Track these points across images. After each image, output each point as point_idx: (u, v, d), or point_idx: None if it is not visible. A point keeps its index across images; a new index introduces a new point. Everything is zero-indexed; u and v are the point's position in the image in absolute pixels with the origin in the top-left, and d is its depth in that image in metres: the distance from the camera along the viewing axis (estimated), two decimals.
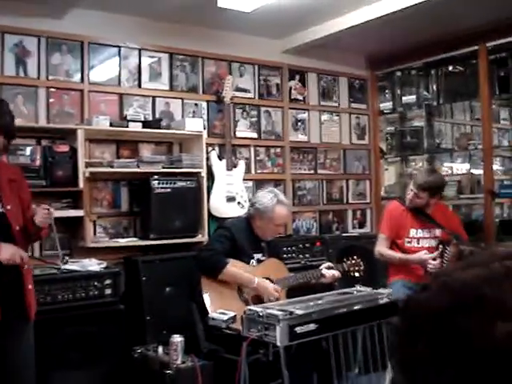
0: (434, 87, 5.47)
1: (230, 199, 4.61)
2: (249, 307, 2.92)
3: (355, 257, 3.76)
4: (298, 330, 2.75)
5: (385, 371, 3.85)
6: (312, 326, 2.79)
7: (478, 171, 5.39)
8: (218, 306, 3.30)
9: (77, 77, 4.23)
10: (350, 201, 5.73)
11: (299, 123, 5.41)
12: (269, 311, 2.78)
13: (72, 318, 3.42)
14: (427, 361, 0.64)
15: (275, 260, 3.71)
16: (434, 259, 3.75)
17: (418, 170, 4.47)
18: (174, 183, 4.24)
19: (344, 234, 5.45)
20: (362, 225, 5.80)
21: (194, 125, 4.47)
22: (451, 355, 0.62)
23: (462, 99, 5.57)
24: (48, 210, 2.81)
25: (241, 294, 3.47)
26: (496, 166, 5.19)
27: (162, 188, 4.18)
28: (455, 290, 0.66)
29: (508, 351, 0.60)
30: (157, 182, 4.16)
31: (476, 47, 4.84)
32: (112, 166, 4.10)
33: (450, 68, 5.35)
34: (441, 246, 3.78)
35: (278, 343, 2.68)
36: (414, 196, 3.87)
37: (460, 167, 5.91)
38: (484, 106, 4.91)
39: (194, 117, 4.69)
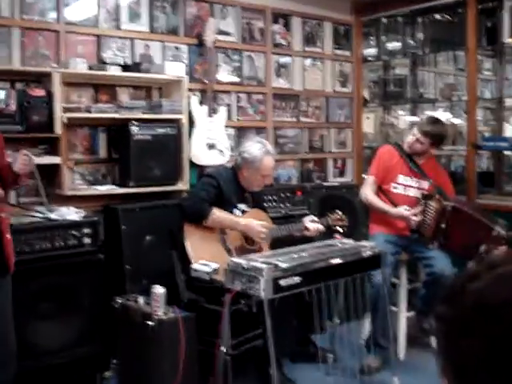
0: (420, 36, 5.36)
1: (211, 146, 4.51)
2: (233, 259, 2.89)
3: (339, 211, 3.73)
4: (283, 282, 2.74)
5: (363, 319, 3.92)
6: (296, 279, 2.78)
7: (459, 121, 5.37)
8: (201, 255, 3.27)
9: (52, 16, 4.02)
10: (332, 150, 5.67)
11: (282, 69, 5.27)
12: (253, 264, 2.75)
13: (50, 268, 3.35)
14: (481, 361, 0.59)
15: (259, 210, 3.68)
16: (415, 215, 3.72)
17: (423, 116, 4.40)
18: (154, 129, 4.12)
19: (325, 184, 5.41)
20: (342, 174, 5.77)
21: (175, 69, 4.31)
22: (510, 358, 0.57)
23: (447, 48, 5.48)
24: (28, 156, 2.75)
25: (224, 244, 3.44)
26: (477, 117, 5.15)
27: (141, 134, 4.05)
28: None
29: None
30: (136, 128, 4.02)
31: None
32: (90, 111, 3.95)
33: (437, 16, 5.23)
34: (423, 201, 3.73)
35: (262, 296, 2.67)
36: (416, 141, 3.83)
37: (441, 117, 5.86)
38: (470, 56, 4.81)
39: (174, 61, 4.53)
